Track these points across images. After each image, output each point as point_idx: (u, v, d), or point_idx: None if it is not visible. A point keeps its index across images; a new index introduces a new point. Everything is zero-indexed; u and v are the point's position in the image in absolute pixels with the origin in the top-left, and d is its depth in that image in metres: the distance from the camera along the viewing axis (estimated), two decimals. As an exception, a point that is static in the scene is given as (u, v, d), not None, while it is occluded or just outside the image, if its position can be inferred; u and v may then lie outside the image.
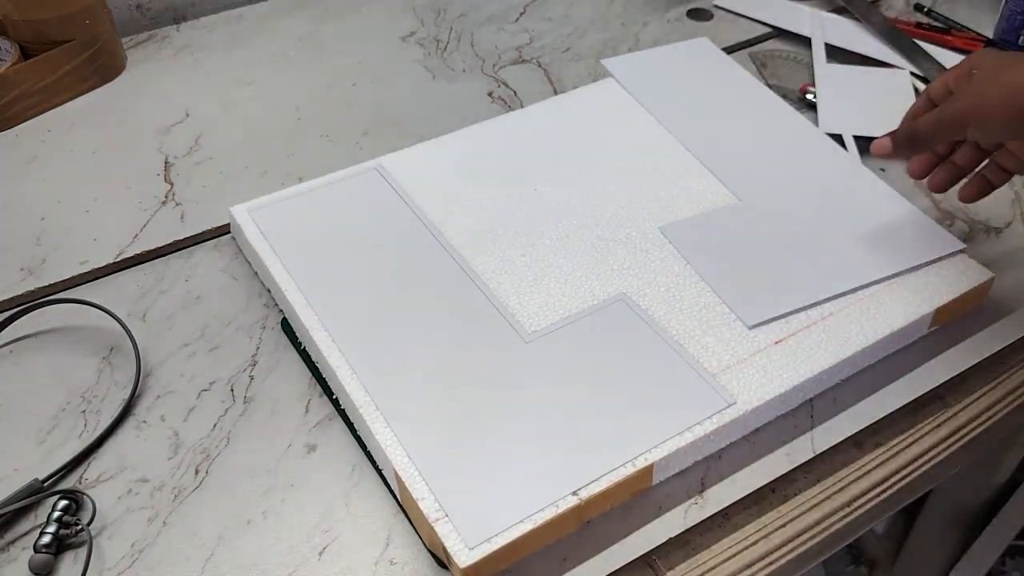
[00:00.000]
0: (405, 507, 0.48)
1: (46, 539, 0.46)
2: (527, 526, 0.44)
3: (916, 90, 0.76)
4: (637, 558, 0.46)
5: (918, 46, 0.81)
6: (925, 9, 0.89)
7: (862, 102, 0.75)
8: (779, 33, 0.86)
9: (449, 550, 0.43)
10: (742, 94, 0.74)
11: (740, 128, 0.70)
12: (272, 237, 0.60)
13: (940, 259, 0.58)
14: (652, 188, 0.64)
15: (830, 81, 0.78)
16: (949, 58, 0.80)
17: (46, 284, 0.61)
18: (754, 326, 0.53)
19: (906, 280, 0.56)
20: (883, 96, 0.76)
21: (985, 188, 0.58)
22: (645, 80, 0.74)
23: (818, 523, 0.49)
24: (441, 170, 0.66)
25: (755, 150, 0.67)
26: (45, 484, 0.49)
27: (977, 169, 0.58)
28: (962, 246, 0.58)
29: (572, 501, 0.45)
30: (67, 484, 0.50)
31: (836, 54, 0.82)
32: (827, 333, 0.53)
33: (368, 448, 0.50)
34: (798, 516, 0.49)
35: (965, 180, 0.58)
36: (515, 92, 0.78)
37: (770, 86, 0.79)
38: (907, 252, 0.58)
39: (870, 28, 0.84)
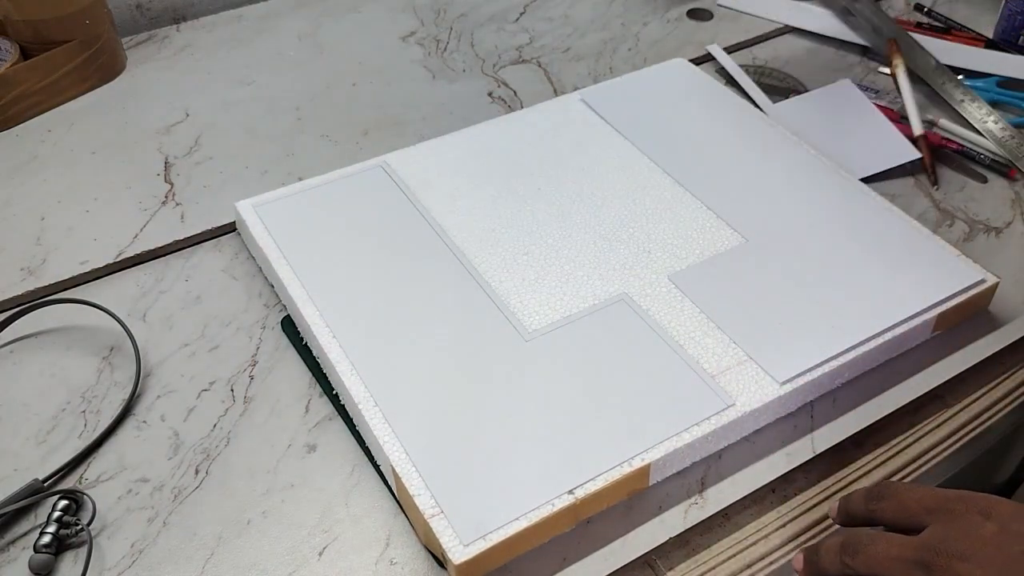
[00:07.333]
0: (402, 503, 0.48)
1: (46, 539, 0.46)
2: (522, 524, 0.44)
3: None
4: (637, 558, 0.46)
5: (918, 45, 0.81)
6: (925, 9, 0.89)
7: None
8: (780, 33, 0.86)
9: (444, 546, 0.43)
10: (729, 116, 0.70)
11: (736, 157, 0.66)
12: (276, 232, 0.60)
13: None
14: (654, 191, 0.64)
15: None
16: (950, 59, 0.80)
17: (46, 284, 0.61)
18: (785, 382, 0.50)
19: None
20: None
21: None
22: (628, 113, 0.70)
23: (818, 523, 0.49)
24: (446, 168, 0.66)
25: (757, 182, 0.64)
26: (45, 484, 0.49)
27: None
28: (982, 276, 0.56)
29: (568, 500, 0.45)
30: (67, 484, 0.50)
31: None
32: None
33: (367, 445, 0.50)
34: (798, 516, 0.49)
35: None
36: (515, 92, 0.78)
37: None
38: (929, 286, 0.55)
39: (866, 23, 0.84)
